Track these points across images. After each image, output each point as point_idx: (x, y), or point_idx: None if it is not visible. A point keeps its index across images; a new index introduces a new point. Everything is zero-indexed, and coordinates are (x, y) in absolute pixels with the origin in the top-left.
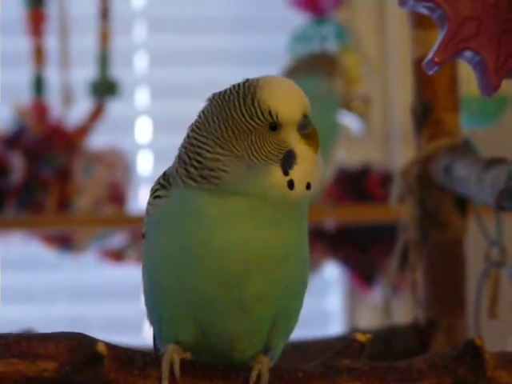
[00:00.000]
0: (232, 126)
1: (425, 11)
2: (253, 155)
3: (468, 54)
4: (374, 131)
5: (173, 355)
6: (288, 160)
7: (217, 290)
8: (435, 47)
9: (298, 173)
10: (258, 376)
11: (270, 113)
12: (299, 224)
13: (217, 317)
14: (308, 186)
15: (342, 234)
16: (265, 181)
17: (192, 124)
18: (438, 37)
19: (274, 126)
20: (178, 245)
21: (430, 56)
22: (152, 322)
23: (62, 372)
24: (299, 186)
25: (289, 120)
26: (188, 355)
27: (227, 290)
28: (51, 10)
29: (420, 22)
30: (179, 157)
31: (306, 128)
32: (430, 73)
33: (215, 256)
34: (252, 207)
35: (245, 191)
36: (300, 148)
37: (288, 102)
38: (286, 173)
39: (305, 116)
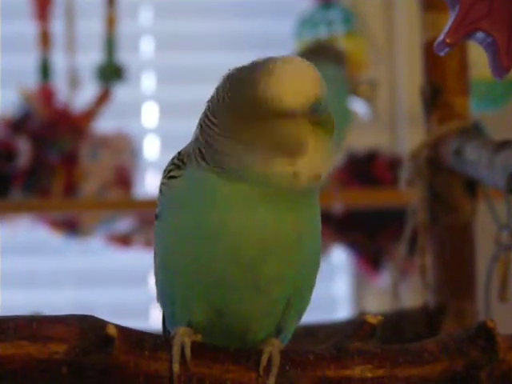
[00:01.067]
0: (239, 110)
1: None
2: (258, 142)
3: (480, 35)
4: (381, 115)
5: (183, 337)
6: (295, 150)
7: (232, 270)
8: (446, 28)
9: (305, 163)
10: (269, 358)
11: (276, 100)
12: (312, 205)
13: (232, 298)
14: (316, 177)
15: (349, 218)
16: (268, 170)
17: (208, 100)
18: (450, 18)
19: (281, 114)
20: (193, 225)
21: (441, 37)
22: (163, 304)
23: (72, 354)
24: (305, 177)
25: (296, 107)
26: (199, 337)
27: (242, 271)
28: None
29: (430, 5)
30: (195, 134)
31: (316, 114)
32: (442, 54)
33: (230, 237)
34: (264, 191)
35: (247, 178)
36: (310, 137)
37: (294, 88)
38: (291, 163)
39: (317, 101)
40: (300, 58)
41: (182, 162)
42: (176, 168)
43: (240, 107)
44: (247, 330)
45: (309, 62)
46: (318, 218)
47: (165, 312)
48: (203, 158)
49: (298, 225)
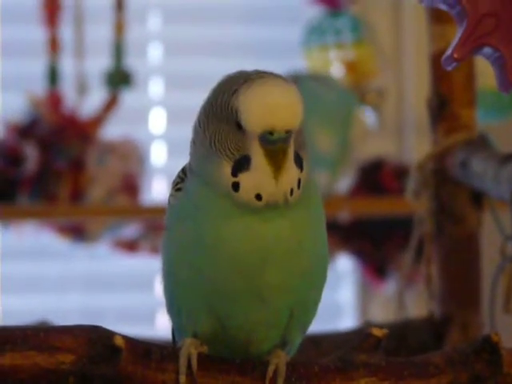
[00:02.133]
0: (212, 111)
1: (444, 7)
2: (214, 142)
3: (487, 50)
4: (388, 124)
5: (190, 349)
6: (241, 162)
7: (233, 281)
8: (454, 43)
9: (247, 179)
10: (275, 370)
11: (237, 113)
12: (311, 212)
13: (235, 308)
14: (258, 197)
15: (355, 226)
16: (214, 172)
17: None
18: (457, 33)
19: (240, 126)
20: (193, 237)
21: (448, 52)
22: (170, 315)
23: (79, 365)
24: (245, 192)
25: (252, 129)
26: (205, 349)
27: (244, 281)
28: None
29: (437, 17)
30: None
31: (268, 144)
32: (449, 69)
33: (227, 248)
34: None
35: (203, 178)
36: (258, 158)
37: (258, 112)
38: (234, 173)
39: (286, 131)
40: (283, 80)
41: (185, 174)
42: (181, 181)
43: (215, 106)
44: (251, 342)
45: (288, 85)
46: (321, 227)
47: (172, 322)
48: (190, 168)
49: (296, 232)
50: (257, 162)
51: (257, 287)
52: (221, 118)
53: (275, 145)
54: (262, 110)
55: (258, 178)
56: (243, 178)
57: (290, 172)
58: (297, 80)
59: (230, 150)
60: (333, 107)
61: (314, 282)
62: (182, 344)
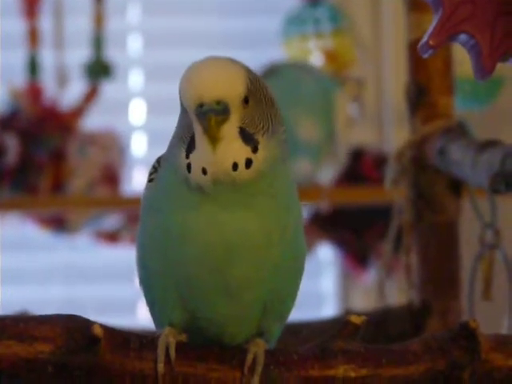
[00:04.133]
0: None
1: None
2: (176, 129)
3: (463, 37)
4: (367, 113)
5: (168, 338)
6: (190, 143)
7: (200, 273)
8: (430, 30)
9: (194, 158)
10: (254, 358)
11: (182, 96)
12: (281, 205)
13: (204, 301)
14: (204, 172)
15: (336, 215)
16: (176, 158)
17: None
18: (433, 20)
19: (186, 109)
20: (160, 228)
21: (424, 39)
22: (147, 305)
23: (58, 354)
24: (194, 171)
25: (188, 105)
26: (184, 337)
27: (211, 274)
28: None
29: (415, 5)
30: None
31: (201, 116)
32: (425, 56)
33: (191, 240)
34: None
35: (171, 166)
36: (198, 134)
37: (190, 86)
38: (186, 155)
39: (216, 103)
40: (223, 59)
41: (159, 164)
42: (154, 171)
43: (181, 105)
44: (223, 334)
45: (226, 62)
46: (294, 218)
47: (150, 313)
48: (165, 159)
49: (263, 225)
50: (197, 137)
51: (224, 280)
52: (181, 105)
53: (207, 116)
54: (191, 84)
55: (199, 152)
56: (192, 158)
57: (231, 145)
58: (278, 69)
59: (184, 133)
60: (314, 95)
61: (288, 274)
62: (161, 333)
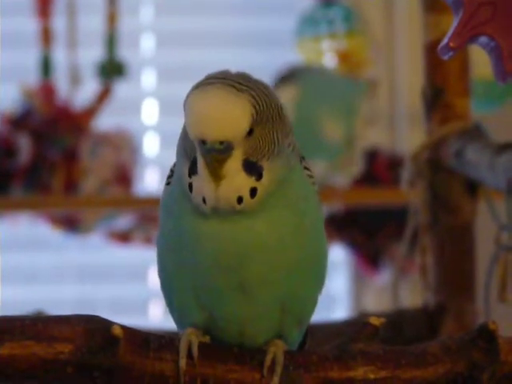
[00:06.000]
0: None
1: None
2: (181, 138)
3: (483, 39)
4: (380, 114)
5: (191, 336)
6: (192, 164)
7: (215, 275)
8: (450, 32)
9: (195, 182)
10: (273, 359)
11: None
12: (293, 208)
13: (219, 302)
14: (204, 201)
15: (348, 216)
16: (181, 169)
17: None
18: (453, 22)
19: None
20: (174, 232)
21: (444, 41)
22: (168, 308)
23: (77, 354)
24: (195, 194)
25: (191, 135)
26: (207, 338)
27: (225, 275)
28: None
29: (432, 6)
30: None
31: (203, 153)
32: (445, 58)
33: (202, 244)
34: None
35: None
36: (200, 163)
37: (192, 120)
38: (189, 174)
39: (219, 143)
40: (228, 89)
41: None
42: (171, 174)
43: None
44: (242, 334)
45: (230, 95)
46: (311, 223)
47: (171, 315)
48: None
49: (274, 228)
50: (200, 166)
51: (238, 281)
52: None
53: (210, 154)
54: (195, 120)
55: (201, 182)
56: (194, 180)
57: (235, 180)
58: (300, 71)
59: (188, 149)
60: (341, 96)
61: (305, 277)
62: (183, 333)
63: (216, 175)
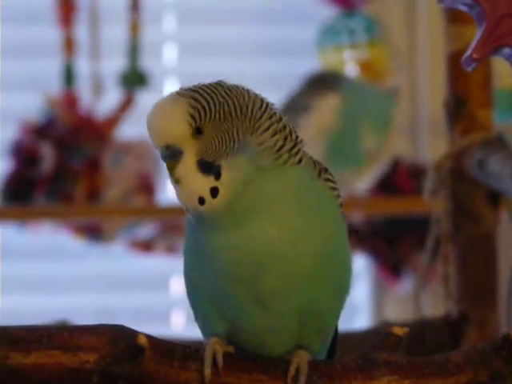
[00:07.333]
0: None
1: (463, 8)
2: None
3: (507, 50)
4: (402, 123)
5: (215, 345)
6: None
7: (233, 286)
8: (473, 44)
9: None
10: (297, 368)
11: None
12: (305, 214)
13: (238, 312)
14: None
15: (370, 225)
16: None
17: None
18: (477, 34)
19: None
20: (194, 244)
21: (468, 53)
22: (195, 318)
23: (102, 364)
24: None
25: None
26: (231, 349)
27: (243, 286)
28: (82, 0)
29: (455, 17)
30: None
31: (163, 159)
32: (469, 69)
33: (216, 258)
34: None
35: None
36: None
37: (149, 129)
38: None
39: (166, 148)
40: (166, 101)
41: None
42: None
43: None
44: (262, 345)
45: (171, 103)
46: (330, 231)
47: (198, 325)
48: None
49: (285, 235)
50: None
51: (254, 291)
52: None
53: (165, 160)
54: (148, 131)
55: (182, 185)
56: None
57: (192, 181)
58: (344, 80)
59: None
60: (379, 107)
61: (324, 287)
62: (208, 342)
63: (174, 179)
